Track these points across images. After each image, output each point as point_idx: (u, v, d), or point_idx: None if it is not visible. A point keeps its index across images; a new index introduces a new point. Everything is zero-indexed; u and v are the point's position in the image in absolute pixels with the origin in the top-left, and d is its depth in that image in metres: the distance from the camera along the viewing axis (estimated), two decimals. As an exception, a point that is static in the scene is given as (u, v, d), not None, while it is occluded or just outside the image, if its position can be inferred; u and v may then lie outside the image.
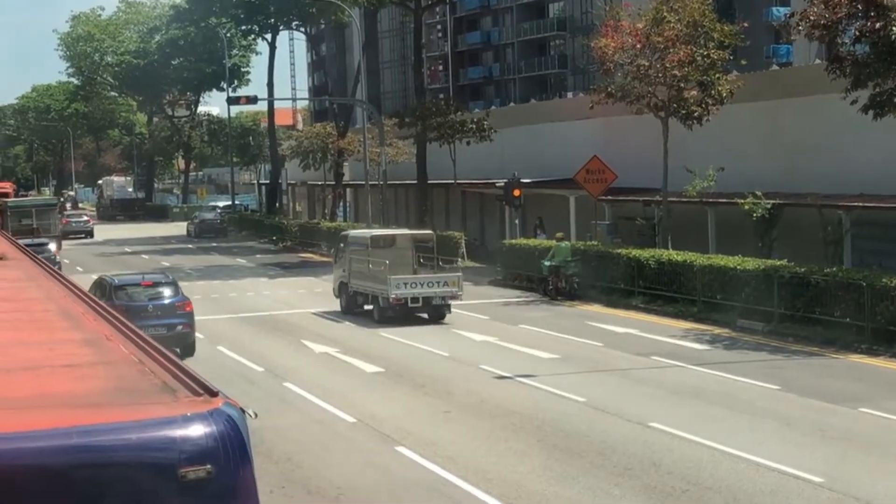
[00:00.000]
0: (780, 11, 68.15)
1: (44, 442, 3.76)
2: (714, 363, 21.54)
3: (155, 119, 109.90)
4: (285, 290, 37.45)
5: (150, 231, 76.30)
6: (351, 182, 65.47)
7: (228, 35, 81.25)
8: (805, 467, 13.54)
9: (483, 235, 49.78)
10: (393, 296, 27.98)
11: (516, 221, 41.18)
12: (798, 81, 34.88)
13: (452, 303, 28.66)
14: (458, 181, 48.74)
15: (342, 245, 31.98)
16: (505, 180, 39.76)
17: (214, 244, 63.48)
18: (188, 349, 23.06)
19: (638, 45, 31.03)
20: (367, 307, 29.86)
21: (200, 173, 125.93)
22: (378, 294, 28.89)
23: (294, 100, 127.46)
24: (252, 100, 50.85)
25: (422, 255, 31.67)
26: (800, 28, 24.43)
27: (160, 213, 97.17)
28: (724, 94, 30.87)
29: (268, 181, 78.90)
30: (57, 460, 3.73)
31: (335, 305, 31.32)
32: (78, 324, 6.09)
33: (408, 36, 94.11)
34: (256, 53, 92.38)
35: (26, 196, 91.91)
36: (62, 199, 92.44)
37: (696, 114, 30.89)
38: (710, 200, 32.27)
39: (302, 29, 78.32)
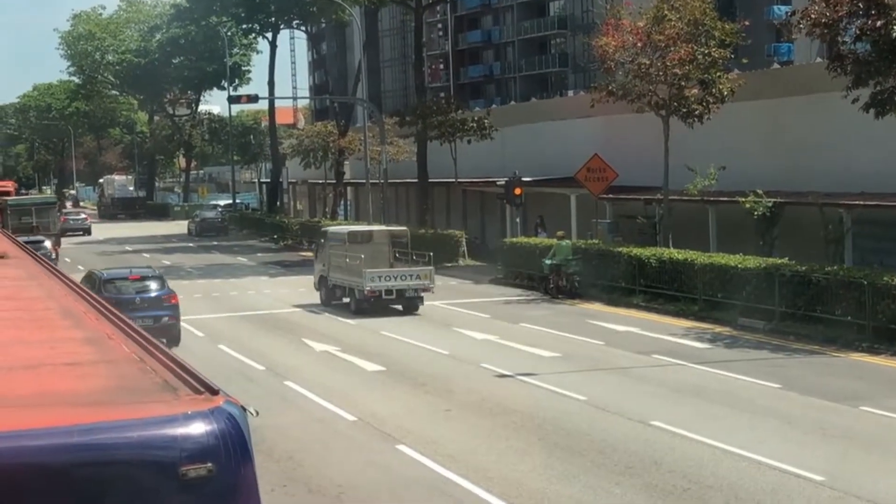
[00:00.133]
0: (781, 10, 68.24)
1: (45, 440, 3.75)
2: (715, 361, 21.54)
3: (156, 118, 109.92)
4: (286, 289, 37.43)
5: (151, 230, 76.30)
6: (352, 181, 65.50)
7: (229, 34, 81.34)
8: (806, 466, 13.54)
9: (484, 234, 49.80)
10: (368, 288, 29.29)
11: (517, 220, 41.13)
12: (799, 80, 34.86)
13: (452, 302, 28.77)
14: (458, 180, 48.73)
15: (322, 241, 33.33)
16: (506, 179, 39.72)
17: (215, 243, 63.47)
18: (174, 339, 23.66)
19: (639, 44, 31.02)
20: (345, 300, 31.02)
21: (201, 172, 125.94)
22: (354, 287, 30.09)
23: (295, 98, 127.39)
24: (253, 98, 50.82)
25: (397, 250, 32.43)
26: (801, 26, 24.43)
27: (161, 212, 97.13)
28: (725, 93, 30.88)
29: (269, 180, 78.87)
30: (58, 459, 3.73)
31: (336, 303, 31.46)
32: (79, 322, 6.08)
33: (408, 35, 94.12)
34: (257, 52, 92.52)
35: (27, 195, 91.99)
36: (63, 198, 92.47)
37: (696, 112, 30.89)
38: (711, 199, 32.29)
39: (303, 28, 78.22)
